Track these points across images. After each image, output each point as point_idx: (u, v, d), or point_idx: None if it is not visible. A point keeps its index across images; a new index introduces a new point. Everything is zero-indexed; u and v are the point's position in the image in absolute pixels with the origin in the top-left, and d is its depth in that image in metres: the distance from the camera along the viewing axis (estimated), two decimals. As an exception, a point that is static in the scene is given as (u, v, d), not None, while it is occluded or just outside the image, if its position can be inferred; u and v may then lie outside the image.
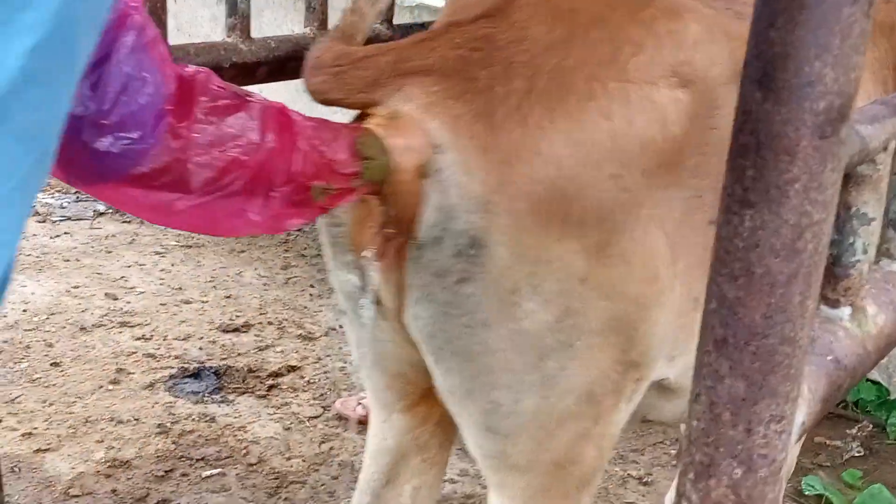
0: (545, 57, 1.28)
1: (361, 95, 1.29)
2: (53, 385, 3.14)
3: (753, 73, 0.67)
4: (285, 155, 1.14)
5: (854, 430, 3.16)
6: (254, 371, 3.31)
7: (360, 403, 3.12)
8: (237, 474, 2.82)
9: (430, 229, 1.27)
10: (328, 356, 3.45)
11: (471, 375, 1.37)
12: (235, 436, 2.98)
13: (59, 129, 0.75)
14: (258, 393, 3.21)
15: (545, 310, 1.30)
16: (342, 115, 1.33)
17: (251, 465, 2.87)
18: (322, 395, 3.24)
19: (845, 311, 0.87)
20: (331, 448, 2.98)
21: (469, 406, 1.41)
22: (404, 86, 1.27)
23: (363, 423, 3.10)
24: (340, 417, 3.12)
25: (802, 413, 0.79)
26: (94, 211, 4.43)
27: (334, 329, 3.63)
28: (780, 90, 0.65)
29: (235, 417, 3.07)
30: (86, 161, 1.02)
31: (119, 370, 3.24)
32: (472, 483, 2.89)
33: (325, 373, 3.35)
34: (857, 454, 3.11)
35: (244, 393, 3.20)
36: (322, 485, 2.82)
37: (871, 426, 3.20)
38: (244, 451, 2.92)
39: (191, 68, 1.10)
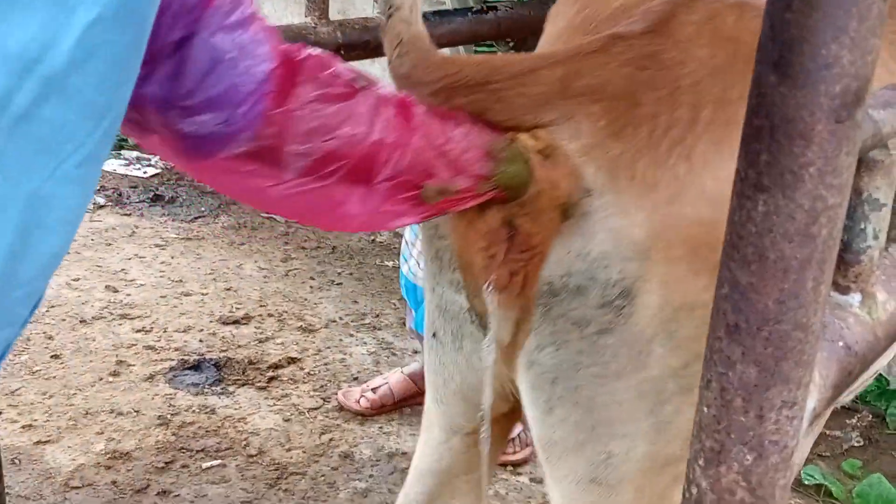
0: (709, 84, 1.16)
1: (529, 118, 1.16)
2: (53, 377, 3.13)
3: (768, 56, 0.66)
4: (396, 148, 1.06)
5: (853, 421, 3.17)
6: (254, 363, 3.31)
7: (363, 395, 3.12)
8: (237, 465, 2.82)
9: (572, 278, 1.18)
10: (328, 348, 3.45)
11: (589, 426, 1.28)
12: (235, 427, 2.98)
13: (125, 106, 0.74)
14: (258, 385, 3.21)
15: (675, 355, 1.20)
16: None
17: (251, 456, 2.87)
18: (322, 386, 3.23)
19: (855, 298, 0.86)
20: (331, 439, 2.97)
21: (574, 458, 1.32)
22: (575, 114, 1.15)
23: (364, 415, 3.11)
24: (341, 409, 3.12)
25: (814, 399, 0.79)
26: (94, 203, 4.42)
27: (334, 321, 3.63)
28: (796, 74, 0.65)
29: (235, 409, 3.07)
30: (175, 143, 0.98)
31: (119, 362, 3.23)
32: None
33: (326, 364, 3.35)
34: (856, 444, 3.12)
35: (244, 385, 3.20)
36: (322, 476, 2.81)
37: (871, 416, 3.21)
38: (244, 443, 2.92)
39: (305, 50, 1.03)
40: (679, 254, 1.14)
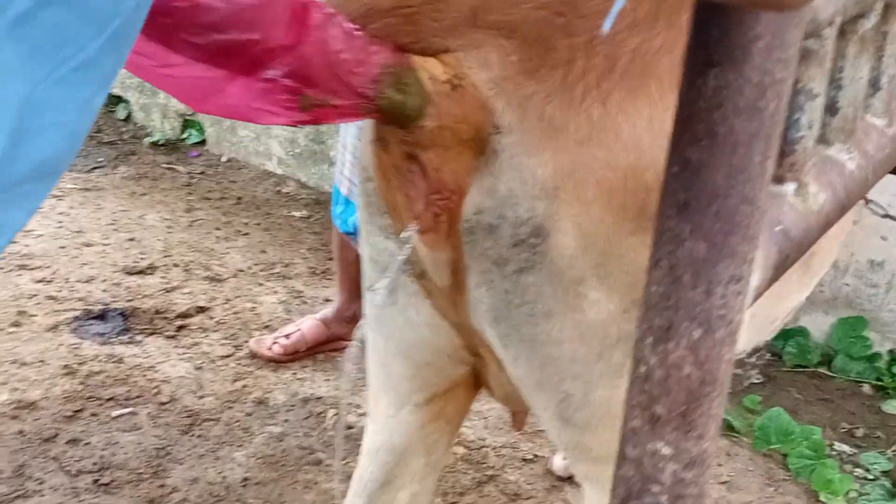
0: (629, 34, 1.13)
1: (436, 40, 1.13)
2: (-50, 328, 3.03)
3: (722, -72, 0.68)
4: (286, 51, 1.04)
5: (752, 360, 3.29)
6: (161, 312, 3.25)
7: (275, 342, 3.09)
8: (148, 413, 2.78)
9: (483, 216, 1.17)
10: (237, 297, 3.41)
11: (539, 365, 1.28)
12: (145, 375, 2.93)
13: (135, 15, 0.71)
14: (167, 334, 3.15)
15: (611, 301, 1.20)
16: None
17: (162, 404, 2.83)
18: (233, 335, 3.20)
19: (790, 187, 0.89)
20: (244, 386, 2.95)
21: (541, 396, 1.33)
22: (484, 44, 1.12)
23: (277, 361, 3.09)
24: (254, 357, 3.09)
25: (757, 277, 0.81)
26: (-15, 154, 4.26)
27: (242, 271, 3.58)
28: (749, -56, 0.66)
29: (144, 358, 3.01)
30: None
31: (20, 313, 3.13)
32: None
33: (235, 313, 3.31)
34: (755, 381, 3.24)
35: (152, 334, 3.14)
36: (236, 421, 2.79)
37: (769, 355, 3.34)
38: (155, 391, 2.87)
39: None
40: (591, 195, 1.13)
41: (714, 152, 0.73)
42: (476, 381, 1.54)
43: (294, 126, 1.23)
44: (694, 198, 0.75)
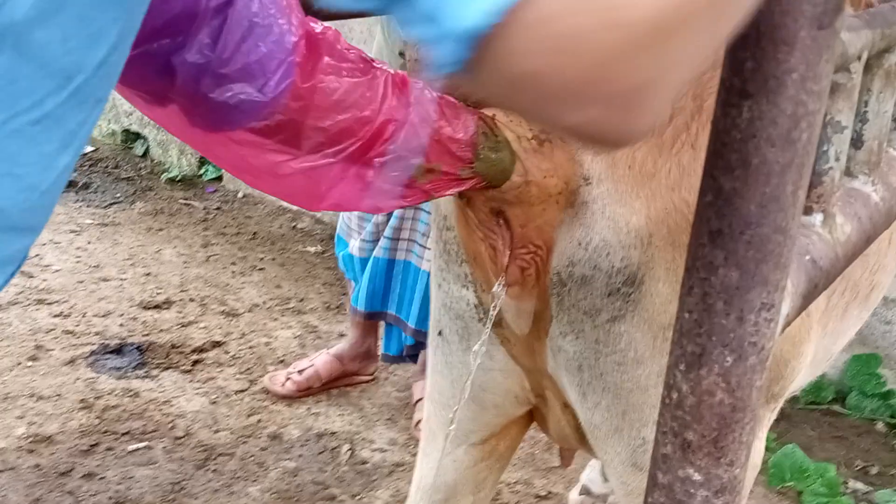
0: (714, 72, 1.12)
1: None
2: (-32, 362, 3.04)
3: (757, -37, 0.69)
4: (400, 126, 1.04)
5: (767, 397, 3.29)
6: (177, 347, 3.26)
7: (288, 378, 3.10)
8: (164, 447, 2.78)
9: (576, 268, 1.17)
10: (252, 332, 3.42)
11: (620, 412, 1.27)
12: (161, 410, 2.94)
13: (109, 74, 0.70)
14: (182, 368, 3.17)
15: None
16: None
17: (178, 438, 2.83)
18: (248, 369, 3.21)
19: (818, 218, 0.91)
20: (259, 420, 2.95)
21: (616, 443, 1.32)
22: None
23: (290, 397, 3.09)
24: (268, 392, 3.09)
25: (787, 305, 0.82)
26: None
27: (258, 305, 3.60)
28: (783, -21, 0.68)
29: (160, 392, 3.02)
30: (196, 113, 0.96)
31: (38, 347, 3.15)
32: (401, 451, 2.90)
33: (251, 348, 3.32)
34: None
35: (168, 368, 3.16)
36: (251, 456, 2.79)
37: (784, 392, 3.33)
38: (170, 425, 2.88)
39: (320, 25, 1.01)
40: (685, 240, 1.14)
41: (747, 182, 0.75)
42: (529, 420, 1.55)
43: (410, 205, 1.21)
44: (727, 226, 0.76)
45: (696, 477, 0.83)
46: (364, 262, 2.86)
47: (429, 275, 2.71)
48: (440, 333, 1.43)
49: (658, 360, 1.21)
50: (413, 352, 2.93)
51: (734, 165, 0.75)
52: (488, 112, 1.12)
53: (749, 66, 0.72)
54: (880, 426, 3.23)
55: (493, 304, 1.21)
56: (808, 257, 0.87)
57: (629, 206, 1.13)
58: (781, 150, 0.74)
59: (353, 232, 2.90)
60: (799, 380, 1.43)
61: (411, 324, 2.83)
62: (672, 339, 0.83)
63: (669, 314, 1.17)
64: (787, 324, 0.84)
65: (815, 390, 3.29)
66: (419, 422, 2.98)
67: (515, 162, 1.12)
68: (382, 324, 3.05)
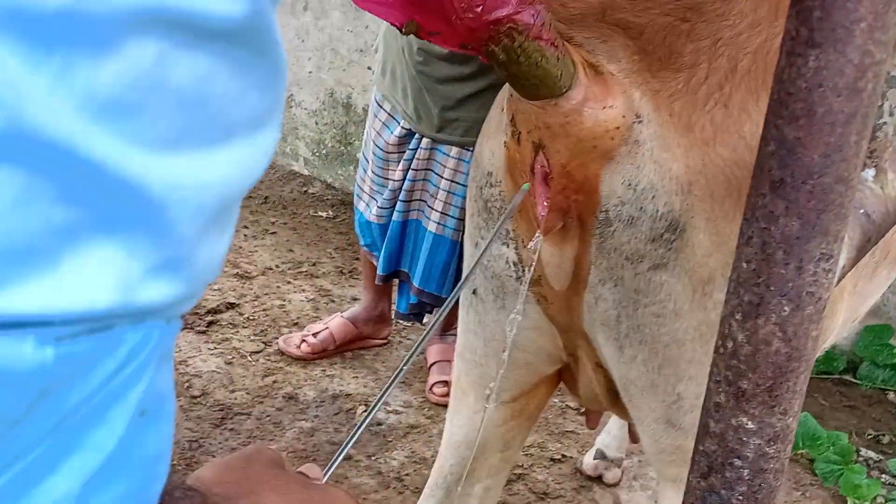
0: (750, 34, 1.14)
1: (562, 27, 1.13)
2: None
3: (832, -89, 0.70)
4: None
5: (778, 366, 3.30)
6: (192, 308, 3.27)
7: (303, 340, 3.12)
8: (181, 406, 2.80)
9: (624, 207, 1.17)
10: (266, 294, 3.43)
11: (657, 366, 1.28)
12: (177, 369, 2.95)
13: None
14: (198, 329, 3.18)
15: None
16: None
17: (194, 397, 2.85)
18: (262, 331, 3.22)
19: (869, 173, 0.91)
20: (274, 381, 2.97)
21: (651, 399, 1.32)
22: (611, 38, 1.13)
23: (304, 359, 3.11)
24: (282, 353, 3.11)
25: (843, 257, 0.83)
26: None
27: (271, 269, 3.61)
28: (860, -74, 0.69)
29: (176, 352, 3.03)
30: None
31: (53, 305, 3.16)
32: (416, 413, 2.92)
33: (265, 310, 3.34)
34: (782, 387, 3.25)
35: (183, 329, 3.15)
36: (267, 416, 2.81)
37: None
38: (187, 384, 2.90)
39: None
40: (723, 192, 1.14)
41: (812, 131, 0.75)
42: (557, 380, 1.56)
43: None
44: (789, 175, 0.77)
45: (750, 425, 0.84)
46: (382, 227, 2.86)
47: (434, 236, 2.73)
48: (474, 292, 1.44)
49: (696, 313, 1.21)
50: (415, 311, 2.93)
51: (798, 115, 0.75)
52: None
53: (817, 15, 0.73)
54: (892, 396, 3.25)
55: (533, 251, 1.22)
56: (861, 210, 0.87)
57: (672, 152, 1.14)
58: (847, 99, 0.74)
59: (368, 198, 2.90)
60: (830, 340, 1.44)
61: (415, 282, 2.83)
62: (728, 288, 0.84)
63: (709, 268, 1.18)
64: (843, 276, 0.84)
65: (827, 360, 3.31)
66: (434, 385, 3.01)
67: (575, 77, 1.10)
68: (396, 285, 3.06)
